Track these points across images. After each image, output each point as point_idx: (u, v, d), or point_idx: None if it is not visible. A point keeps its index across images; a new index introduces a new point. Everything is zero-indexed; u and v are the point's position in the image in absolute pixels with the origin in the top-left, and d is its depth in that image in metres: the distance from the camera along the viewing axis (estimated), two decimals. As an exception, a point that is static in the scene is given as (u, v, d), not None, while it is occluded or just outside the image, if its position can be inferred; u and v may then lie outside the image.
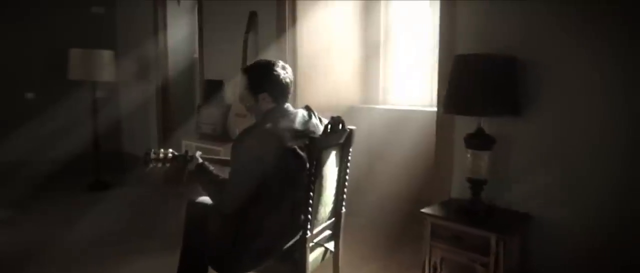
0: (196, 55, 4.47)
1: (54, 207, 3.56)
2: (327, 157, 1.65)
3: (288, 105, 1.71)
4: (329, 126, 1.58)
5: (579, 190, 1.69)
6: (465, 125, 1.98)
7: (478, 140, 1.78)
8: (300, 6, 2.97)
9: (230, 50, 3.46)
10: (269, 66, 1.67)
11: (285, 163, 1.56)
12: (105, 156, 4.29)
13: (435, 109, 2.65)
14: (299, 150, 1.60)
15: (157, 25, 4.36)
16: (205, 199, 1.82)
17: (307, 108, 1.78)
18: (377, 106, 3.29)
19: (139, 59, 4.63)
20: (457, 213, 1.82)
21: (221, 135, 3.27)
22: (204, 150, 3.22)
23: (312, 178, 1.52)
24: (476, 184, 1.81)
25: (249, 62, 3.13)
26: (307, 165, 1.60)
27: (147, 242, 2.79)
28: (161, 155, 1.82)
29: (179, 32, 4.51)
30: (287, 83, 1.68)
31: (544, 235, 1.78)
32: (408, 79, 3.28)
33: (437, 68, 2.15)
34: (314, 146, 1.49)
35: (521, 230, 1.80)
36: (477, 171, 1.80)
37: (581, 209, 1.70)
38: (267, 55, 3.13)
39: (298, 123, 1.66)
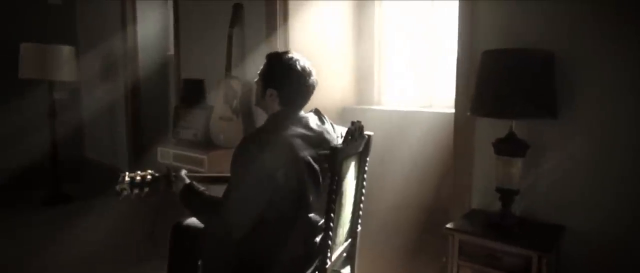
0: (171, 52, 4.14)
1: (1, 226, 3.11)
2: (347, 169, 1.40)
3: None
4: (350, 133, 1.33)
5: (619, 200, 1.53)
6: (487, 128, 1.79)
7: (510, 146, 1.59)
8: (291, 5, 2.72)
9: (211, 46, 3.15)
10: (289, 61, 1.41)
11: (297, 177, 1.31)
12: (65, 165, 3.85)
13: (441, 110, 2.51)
14: (313, 162, 1.35)
15: (125, 19, 3.99)
16: (196, 222, 1.53)
17: (317, 112, 1.53)
18: (373, 107, 3.07)
19: (105, 56, 4.23)
20: (488, 228, 1.62)
21: (203, 142, 2.95)
22: (184, 158, 2.90)
23: (333, 196, 1.27)
24: (507, 195, 1.61)
25: (234, 59, 2.84)
26: (321, 180, 1.35)
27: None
28: (138, 179, 1.50)
29: (151, 27, 4.15)
30: (302, 89, 1.43)
31: (577, 248, 1.62)
32: (406, 80, 3.08)
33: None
34: (336, 157, 1.23)
35: (557, 245, 1.62)
36: (509, 180, 1.60)
37: (622, 221, 1.53)
38: (255, 53, 2.85)
39: (311, 129, 1.40)
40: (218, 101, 2.92)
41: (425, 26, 2.85)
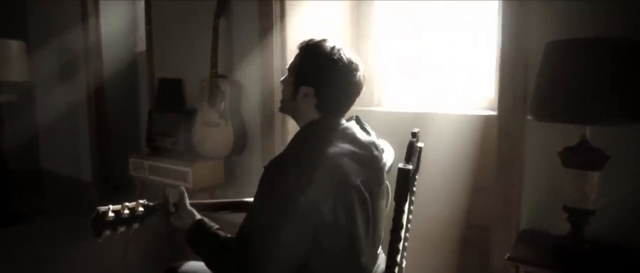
0: (140, 48, 3.66)
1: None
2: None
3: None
4: (412, 146, 1.00)
5: None
6: (542, 133, 1.52)
7: (585, 157, 1.31)
8: (288, 5, 2.37)
9: (192, 41, 2.74)
10: (330, 51, 1.06)
11: (348, 211, 0.97)
12: (16, 178, 3.31)
13: (455, 111, 2.23)
14: (363, 190, 1.01)
15: (86, 11, 3.49)
16: (199, 268, 1.15)
17: (358, 119, 1.18)
18: (374, 109, 2.76)
19: (62, 52, 3.71)
20: (558, 258, 1.34)
21: (185, 151, 2.54)
22: (163, 171, 2.48)
23: (399, 233, 0.93)
24: (580, 215, 1.33)
25: (220, 54, 2.44)
26: (371, 209, 1.02)
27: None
28: (125, 213, 1.10)
29: (116, 20, 3.66)
30: (347, 88, 1.08)
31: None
32: (410, 80, 2.80)
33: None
34: (406, 182, 0.90)
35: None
36: (582, 198, 1.32)
37: None
38: (247, 48, 2.47)
39: (359, 144, 1.06)
40: (202, 104, 2.52)
41: (429, 24, 2.59)
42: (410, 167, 0.89)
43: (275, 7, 2.32)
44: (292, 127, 2.39)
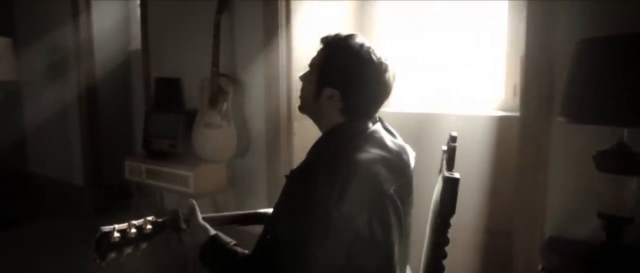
0: (134, 47, 3.53)
1: None
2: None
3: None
4: (454, 152, 0.91)
5: None
6: (569, 135, 1.44)
7: (623, 161, 1.24)
8: (293, 5, 2.27)
9: (190, 38, 2.62)
10: (359, 49, 0.97)
11: (383, 223, 0.88)
12: (2, 182, 3.18)
13: (467, 112, 2.16)
14: (397, 199, 0.92)
15: (77, 7, 3.34)
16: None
17: (381, 121, 1.09)
18: (383, 109, 2.67)
19: (52, 50, 3.57)
20: (594, 268, 1.26)
21: (185, 154, 2.42)
22: (162, 175, 2.36)
23: (442, 248, 0.84)
24: (617, 223, 1.26)
25: (222, 50, 2.33)
26: (403, 221, 0.93)
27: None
28: (132, 232, 0.98)
29: (108, 17, 3.52)
30: (377, 90, 0.99)
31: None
32: (416, 80, 2.73)
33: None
34: (456, 193, 0.81)
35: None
36: (619, 204, 1.25)
37: None
38: (250, 46, 2.36)
39: (388, 149, 0.97)
40: (203, 104, 2.40)
41: (432, 24, 2.53)
42: (457, 175, 0.80)
43: (281, 3, 2.22)
44: (299, 128, 2.29)
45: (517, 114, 1.76)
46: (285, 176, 0.92)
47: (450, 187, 0.79)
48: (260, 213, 1.19)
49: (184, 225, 1.03)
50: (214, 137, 2.33)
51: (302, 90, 1.03)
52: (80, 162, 3.50)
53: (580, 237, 1.43)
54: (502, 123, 1.86)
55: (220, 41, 2.32)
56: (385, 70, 0.98)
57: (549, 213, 1.52)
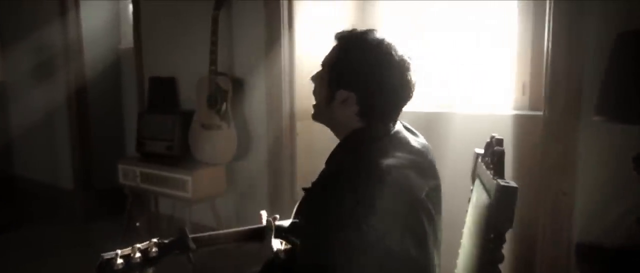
0: (123, 45, 3.41)
1: None
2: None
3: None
4: (502, 157, 0.82)
5: None
6: (595, 136, 1.36)
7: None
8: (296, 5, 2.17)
9: (185, 36, 2.50)
10: (379, 47, 0.87)
11: (419, 236, 0.78)
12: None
13: (477, 111, 2.08)
14: (427, 203, 0.82)
15: (65, 5, 3.21)
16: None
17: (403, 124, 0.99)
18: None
19: (39, 50, 3.42)
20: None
21: (182, 157, 2.30)
22: (158, 179, 2.23)
23: (494, 266, 0.74)
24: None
25: (220, 47, 2.22)
26: (436, 228, 0.84)
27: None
28: (136, 257, 0.89)
29: (97, 15, 3.39)
30: (400, 92, 0.89)
31: None
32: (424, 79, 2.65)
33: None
34: (514, 204, 0.71)
35: None
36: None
37: None
38: (250, 43, 2.25)
39: (415, 151, 0.88)
40: (200, 104, 2.29)
41: (432, 24, 2.46)
42: (515, 184, 0.71)
43: (283, 2, 2.11)
44: (302, 129, 2.18)
45: (534, 112, 1.68)
46: (304, 189, 0.83)
47: (508, 197, 0.69)
48: (265, 227, 1.07)
49: (193, 245, 0.93)
50: (213, 138, 2.22)
51: (315, 93, 0.93)
52: (69, 165, 3.37)
53: (605, 243, 1.35)
54: (519, 122, 1.77)
55: (218, 38, 2.20)
56: (407, 69, 0.88)
57: (576, 218, 1.44)
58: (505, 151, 1.94)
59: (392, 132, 0.89)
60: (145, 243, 0.92)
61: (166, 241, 0.94)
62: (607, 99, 1.17)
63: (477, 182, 0.98)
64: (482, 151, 1.04)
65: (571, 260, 1.41)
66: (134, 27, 2.81)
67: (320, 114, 0.93)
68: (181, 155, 2.31)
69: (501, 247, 0.74)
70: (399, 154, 0.83)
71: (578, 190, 1.42)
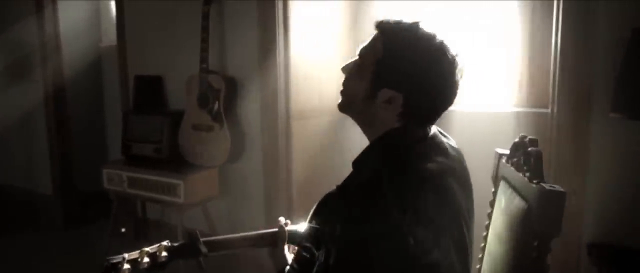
0: (105, 43, 3.26)
1: None
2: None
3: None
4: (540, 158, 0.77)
5: None
6: (607, 134, 1.34)
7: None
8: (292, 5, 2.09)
9: (172, 33, 2.40)
10: (431, 43, 0.79)
11: (462, 248, 0.73)
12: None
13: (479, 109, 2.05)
14: (466, 213, 0.78)
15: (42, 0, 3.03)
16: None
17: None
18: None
19: (13, 48, 3.25)
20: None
21: (172, 160, 2.20)
22: (147, 184, 2.13)
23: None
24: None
25: (211, 44, 2.12)
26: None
27: None
28: (144, 261, 0.82)
29: (75, 11, 3.23)
30: (449, 93, 0.81)
31: None
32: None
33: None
34: (562, 211, 0.66)
35: None
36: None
37: None
38: (242, 39, 2.17)
39: (450, 156, 0.82)
40: (190, 104, 2.19)
41: (430, 24, 2.42)
42: (562, 189, 0.65)
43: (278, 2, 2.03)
44: (298, 128, 2.10)
45: (539, 110, 1.66)
46: (329, 194, 0.76)
47: (555, 202, 0.64)
48: (274, 232, 1.00)
49: (204, 249, 0.86)
50: (205, 140, 2.12)
51: (347, 85, 0.85)
52: (48, 168, 3.20)
53: (618, 243, 1.34)
54: (523, 120, 1.75)
55: (209, 35, 2.11)
56: (457, 68, 0.81)
57: (587, 218, 1.41)
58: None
59: (430, 135, 0.83)
60: (154, 246, 0.86)
61: (176, 245, 0.88)
62: (624, 95, 1.14)
63: (502, 184, 0.93)
64: (504, 151, 1.00)
65: (582, 261, 1.39)
66: (118, 23, 2.68)
67: (352, 107, 0.85)
68: (170, 158, 2.20)
69: (547, 256, 0.69)
70: (439, 159, 0.77)
71: (589, 189, 1.40)
